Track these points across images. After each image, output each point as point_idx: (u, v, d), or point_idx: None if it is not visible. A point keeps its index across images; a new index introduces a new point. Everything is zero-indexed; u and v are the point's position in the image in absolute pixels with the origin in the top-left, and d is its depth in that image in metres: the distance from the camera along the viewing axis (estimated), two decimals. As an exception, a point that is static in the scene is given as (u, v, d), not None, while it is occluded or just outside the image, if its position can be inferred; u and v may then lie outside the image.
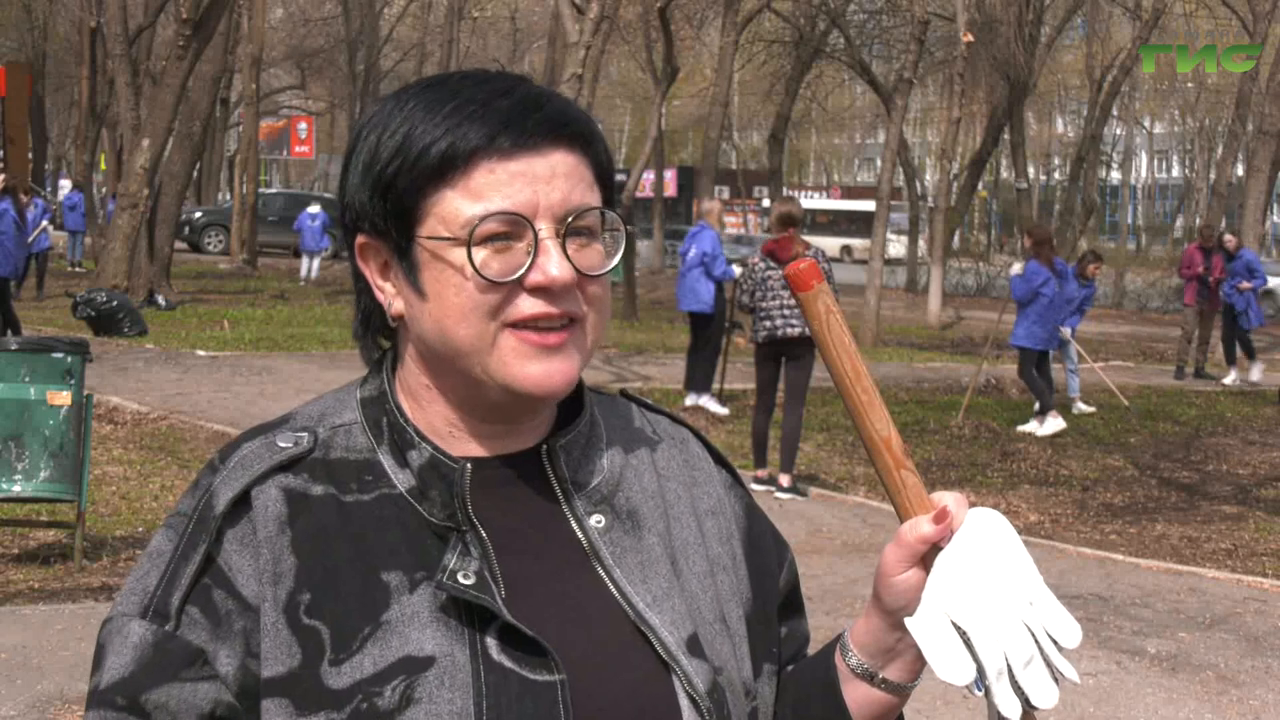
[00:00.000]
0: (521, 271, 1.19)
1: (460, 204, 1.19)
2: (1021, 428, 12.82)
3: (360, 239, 1.25)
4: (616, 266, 1.32)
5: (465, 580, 1.19)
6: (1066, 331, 14.82)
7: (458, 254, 1.19)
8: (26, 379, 6.95)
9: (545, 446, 1.28)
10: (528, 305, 1.19)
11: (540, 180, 1.19)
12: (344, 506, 1.22)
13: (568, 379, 1.22)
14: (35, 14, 37.86)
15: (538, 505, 1.27)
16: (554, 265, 1.19)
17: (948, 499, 1.22)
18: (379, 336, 1.31)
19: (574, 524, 1.27)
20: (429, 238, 1.20)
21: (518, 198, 1.19)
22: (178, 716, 1.19)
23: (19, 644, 5.91)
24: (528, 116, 1.20)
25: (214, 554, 1.21)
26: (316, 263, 28.13)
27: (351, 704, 1.16)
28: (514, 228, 1.19)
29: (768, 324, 9.44)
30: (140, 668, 1.20)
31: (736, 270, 12.00)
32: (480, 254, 1.18)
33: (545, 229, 1.19)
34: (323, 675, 1.17)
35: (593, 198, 1.23)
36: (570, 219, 1.20)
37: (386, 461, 1.25)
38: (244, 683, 1.19)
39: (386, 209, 1.22)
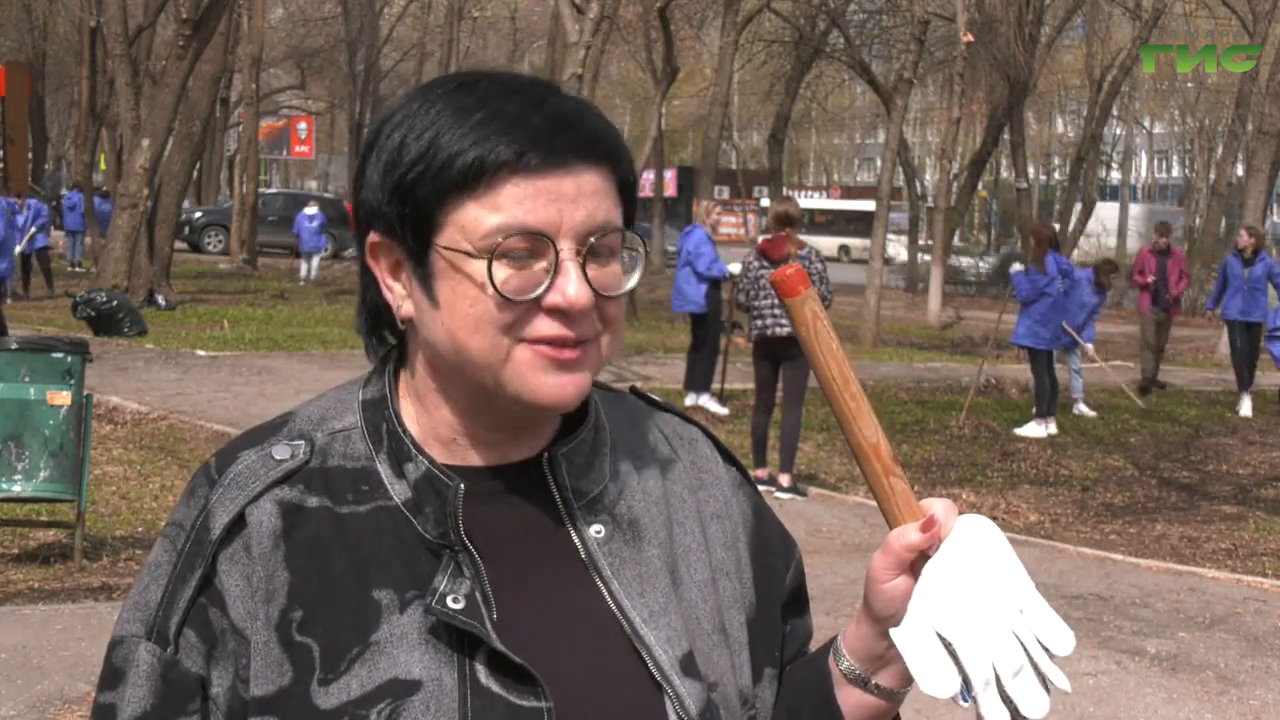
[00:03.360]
0: (539, 291, 1.17)
1: (482, 217, 1.17)
2: (1019, 430, 12.80)
3: (373, 237, 1.24)
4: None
5: (455, 604, 1.18)
6: (1089, 348, 14.77)
7: (476, 267, 1.17)
8: (26, 379, 6.95)
9: (547, 455, 1.27)
10: (544, 326, 1.18)
11: (565, 199, 1.17)
12: (339, 518, 1.22)
13: (580, 392, 1.21)
14: (35, 14, 37.82)
15: (537, 515, 1.26)
16: (572, 287, 1.17)
17: (937, 506, 1.21)
18: (386, 333, 1.29)
19: (573, 534, 1.26)
20: (448, 248, 1.18)
21: (541, 215, 1.17)
22: None
23: (19, 644, 5.91)
24: (559, 134, 1.18)
25: (211, 577, 1.21)
26: (316, 262, 28.16)
27: None
28: (535, 245, 1.17)
29: (759, 323, 9.49)
30: (158, 701, 1.21)
31: (735, 268, 11.97)
32: (500, 271, 1.16)
33: (566, 249, 1.17)
34: (312, 694, 1.17)
35: (615, 216, 1.21)
36: (592, 239, 1.19)
37: (383, 471, 1.24)
38: (232, 705, 1.20)
39: (405, 214, 1.20)
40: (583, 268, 1.18)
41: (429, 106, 1.21)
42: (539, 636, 1.20)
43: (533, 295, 1.17)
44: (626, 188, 1.24)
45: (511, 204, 1.16)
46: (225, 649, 1.20)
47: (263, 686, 1.18)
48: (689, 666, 1.24)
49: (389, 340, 1.30)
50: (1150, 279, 15.98)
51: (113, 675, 1.23)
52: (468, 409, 1.25)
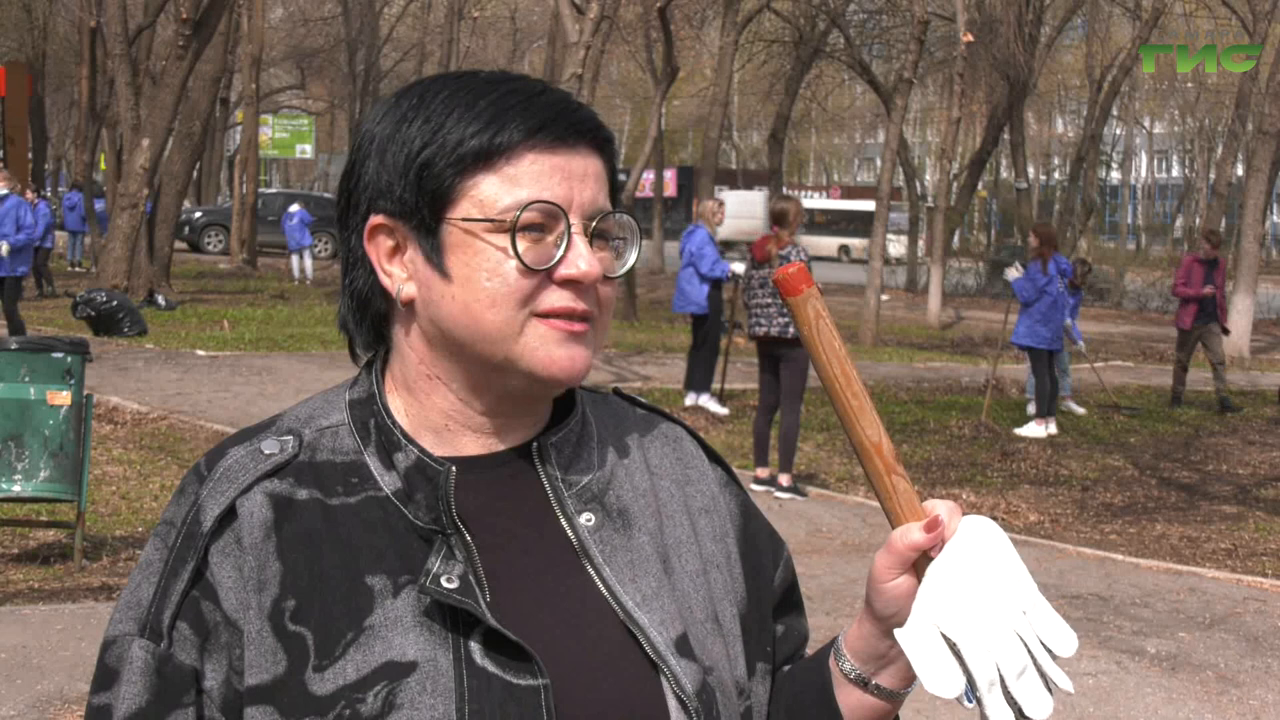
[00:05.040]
0: (553, 263, 1.21)
1: (499, 190, 1.21)
2: (1019, 430, 12.80)
3: (376, 219, 1.25)
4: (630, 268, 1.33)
5: (449, 584, 1.19)
6: (1082, 346, 14.75)
7: (495, 239, 1.21)
8: (26, 379, 6.95)
9: (536, 444, 1.28)
10: (555, 298, 1.22)
11: (575, 177, 1.23)
12: (329, 510, 1.23)
13: (587, 365, 1.24)
14: (35, 14, 37.78)
15: (528, 504, 1.27)
16: (583, 260, 1.22)
17: (940, 508, 1.21)
18: (370, 332, 1.30)
19: (564, 522, 1.27)
20: (464, 219, 1.21)
21: (556, 190, 1.22)
22: None
23: (19, 644, 5.91)
24: (568, 115, 1.24)
25: (202, 569, 1.22)
26: (309, 261, 28.25)
27: (335, 710, 1.16)
28: (549, 219, 1.21)
29: (751, 322, 9.54)
30: (154, 696, 1.21)
31: (738, 267, 11.97)
32: (518, 243, 1.20)
33: (577, 224, 1.22)
34: (307, 681, 1.17)
35: (609, 202, 1.26)
36: (595, 222, 1.23)
37: (373, 463, 1.25)
38: (226, 697, 1.20)
39: (420, 187, 1.22)
40: (589, 244, 1.23)
41: (433, 95, 1.25)
42: (532, 619, 1.21)
43: (547, 266, 1.21)
44: (614, 178, 1.29)
45: (528, 178, 1.21)
46: (218, 641, 1.20)
47: (257, 675, 1.18)
48: (684, 648, 1.25)
49: (371, 338, 1.30)
50: (1207, 290, 14.48)
51: (106, 675, 1.23)
52: (466, 391, 1.26)
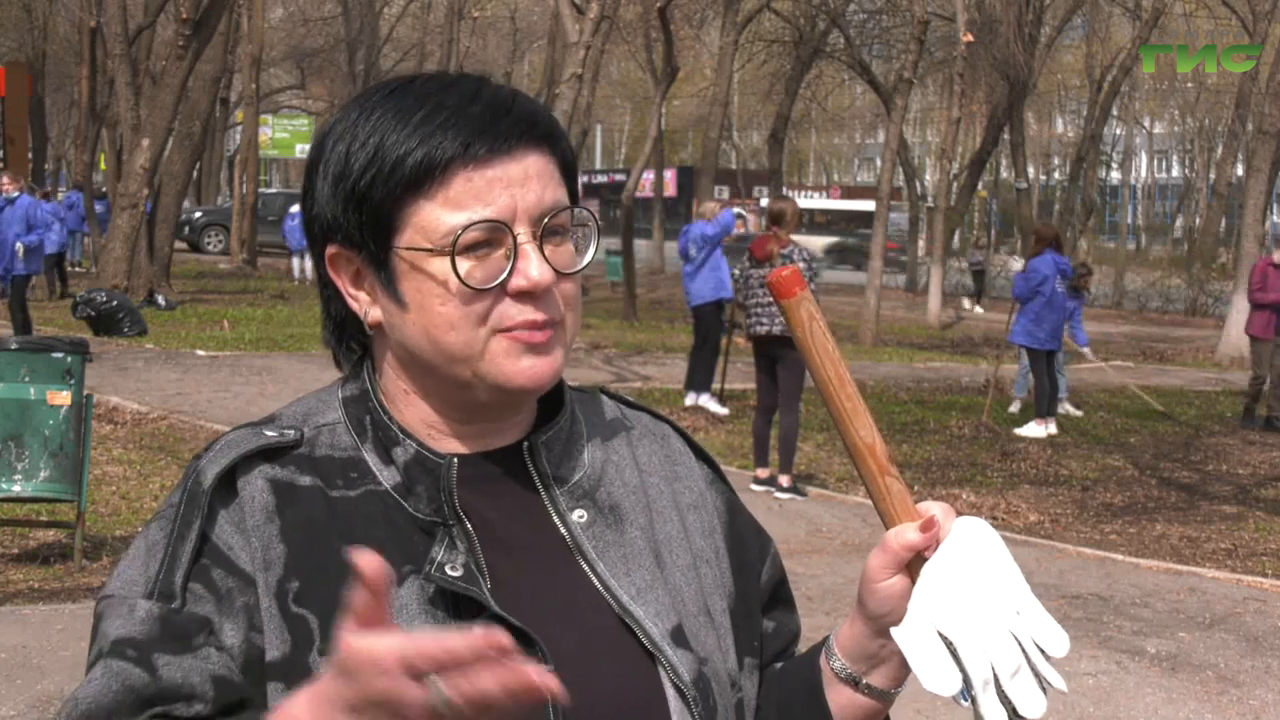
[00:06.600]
0: (503, 277, 1.20)
1: (440, 214, 1.20)
2: (1019, 430, 12.80)
3: (331, 249, 1.26)
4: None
5: (453, 572, 1.20)
6: (1088, 351, 14.78)
7: (439, 264, 1.20)
8: (26, 379, 6.95)
9: (527, 443, 1.30)
10: (514, 312, 1.21)
11: (516, 184, 1.21)
12: (331, 501, 1.24)
13: (554, 372, 1.24)
14: (35, 14, 37.74)
15: (521, 501, 1.28)
16: (534, 268, 1.21)
17: (934, 509, 1.22)
18: (352, 343, 1.32)
19: (556, 519, 1.28)
20: (408, 248, 1.21)
21: (497, 204, 1.20)
22: (189, 675, 1.16)
23: (19, 644, 5.91)
24: (500, 121, 1.22)
25: (209, 532, 1.21)
26: (309, 261, 28.22)
27: None
28: (494, 234, 1.20)
29: (750, 321, 9.55)
30: (152, 635, 1.18)
31: (735, 211, 12.34)
32: (463, 264, 1.20)
33: (524, 233, 1.21)
34: (312, 664, 1.18)
35: (562, 195, 1.25)
36: (546, 220, 1.22)
37: (371, 459, 1.26)
38: (249, 655, 1.19)
39: (362, 220, 1.22)
40: (540, 249, 1.21)
41: (369, 114, 1.24)
42: (530, 611, 1.22)
43: (497, 282, 1.20)
44: (568, 167, 1.27)
45: (466, 197, 1.20)
46: (234, 604, 1.20)
47: (271, 650, 1.19)
48: (679, 638, 1.26)
49: (355, 350, 1.32)
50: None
51: (97, 622, 1.21)
52: (441, 404, 1.27)
